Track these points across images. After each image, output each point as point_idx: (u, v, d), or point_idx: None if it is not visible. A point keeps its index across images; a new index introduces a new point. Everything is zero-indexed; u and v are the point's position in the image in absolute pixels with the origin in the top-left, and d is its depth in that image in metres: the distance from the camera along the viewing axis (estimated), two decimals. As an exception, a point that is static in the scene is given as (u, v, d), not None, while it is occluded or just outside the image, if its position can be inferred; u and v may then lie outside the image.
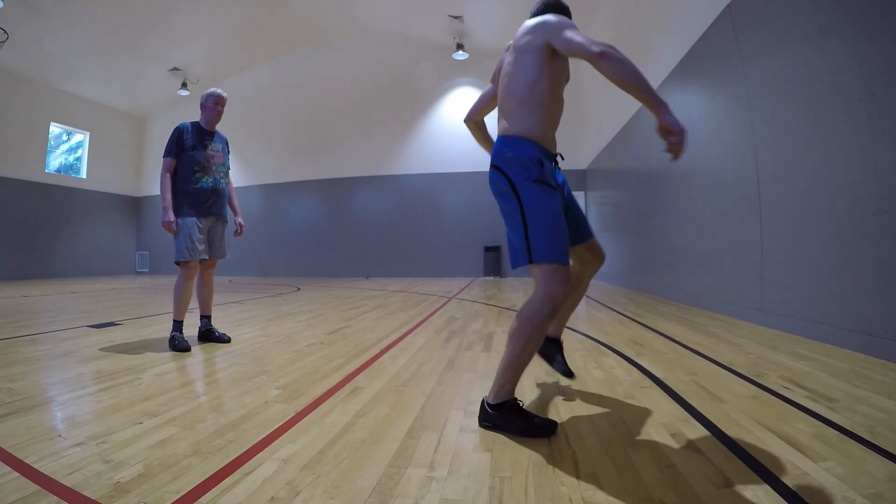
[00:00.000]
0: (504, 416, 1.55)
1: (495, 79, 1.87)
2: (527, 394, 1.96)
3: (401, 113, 13.19)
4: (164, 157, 3.03)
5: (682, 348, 2.85)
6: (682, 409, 1.72)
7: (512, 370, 1.56)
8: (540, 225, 1.54)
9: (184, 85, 13.85)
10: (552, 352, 2.05)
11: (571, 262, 1.81)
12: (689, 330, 3.50)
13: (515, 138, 1.62)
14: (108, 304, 5.91)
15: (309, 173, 13.94)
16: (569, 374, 2.04)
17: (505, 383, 1.57)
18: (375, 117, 13.37)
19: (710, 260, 4.62)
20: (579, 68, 11.84)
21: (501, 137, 1.67)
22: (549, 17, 1.66)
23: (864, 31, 2.57)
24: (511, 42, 1.74)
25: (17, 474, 1.22)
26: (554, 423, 1.56)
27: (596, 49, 1.46)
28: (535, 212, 1.56)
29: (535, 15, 1.80)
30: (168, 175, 3.02)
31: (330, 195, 13.66)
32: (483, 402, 1.62)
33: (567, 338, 3.25)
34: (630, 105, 7.28)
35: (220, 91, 3.18)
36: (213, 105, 3.14)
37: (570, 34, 1.55)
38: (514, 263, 1.61)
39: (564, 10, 1.81)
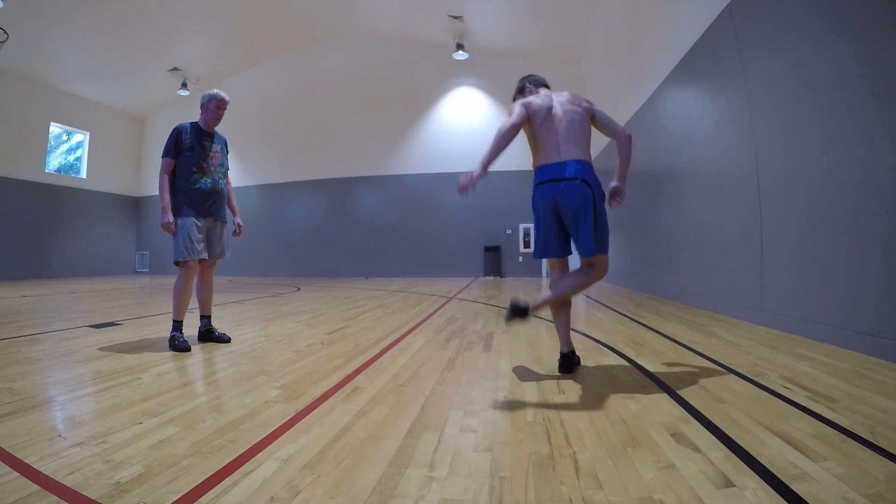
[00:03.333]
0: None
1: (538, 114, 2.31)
2: (526, 393, 1.96)
3: (401, 113, 13.19)
4: (162, 157, 3.02)
5: (682, 348, 2.85)
6: (682, 409, 1.72)
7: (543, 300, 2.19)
8: (606, 226, 2.23)
9: (184, 85, 13.85)
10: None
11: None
12: (689, 330, 3.50)
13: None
14: (108, 304, 5.91)
15: (309, 173, 13.94)
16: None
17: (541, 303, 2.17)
18: (375, 117, 13.37)
19: (710, 260, 4.62)
20: (579, 71, 11.84)
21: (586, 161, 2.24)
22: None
23: (864, 31, 2.57)
24: (553, 97, 2.35)
25: (17, 474, 1.22)
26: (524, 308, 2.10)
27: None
28: (604, 216, 2.23)
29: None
30: (167, 176, 3.01)
31: (330, 195, 13.67)
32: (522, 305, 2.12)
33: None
34: (629, 106, 7.28)
35: (223, 94, 3.15)
36: (215, 108, 3.13)
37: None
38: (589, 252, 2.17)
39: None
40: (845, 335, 2.71)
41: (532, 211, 2.32)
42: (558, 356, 2.36)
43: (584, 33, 10.53)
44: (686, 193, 5.18)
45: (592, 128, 2.33)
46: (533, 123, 2.28)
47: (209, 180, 3.09)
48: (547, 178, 2.23)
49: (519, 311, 2.09)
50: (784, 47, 3.31)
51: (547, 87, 2.52)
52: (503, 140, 2.15)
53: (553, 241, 2.27)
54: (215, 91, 3.15)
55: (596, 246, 2.14)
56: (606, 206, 2.32)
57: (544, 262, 12.41)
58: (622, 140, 2.30)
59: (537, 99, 2.33)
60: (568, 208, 2.18)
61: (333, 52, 13.65)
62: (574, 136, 2.25)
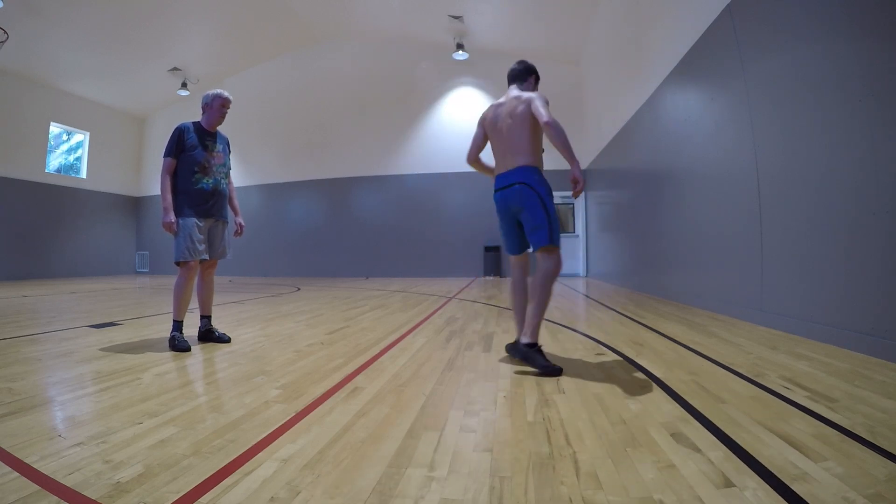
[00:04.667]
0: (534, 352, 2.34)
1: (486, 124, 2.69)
2: (526, 393, 1.96)
3: (401, 113, 13.19)
4: (164, 157, 3.02)
5: (682, 348, 2.85)
6: (682, 409, 1.72)
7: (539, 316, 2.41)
8: (557, 220, 2.47)
9: (184, 85, 13.84)
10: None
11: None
12: (689, 330, 3.50)
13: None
14: (108, 304, 5.91)
15: (309, 173, 13.93)
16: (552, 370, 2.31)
17: (536, 327, 2.39)
18: (375, 117, 13.37)
19: (710, 260, 4.62)
20: (578, 71, 11.84)
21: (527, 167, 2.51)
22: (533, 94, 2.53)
23: (865, 30, 2.57)
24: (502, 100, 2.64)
25: (17, 474, 1.22)
26: (560, 368, 2.27)
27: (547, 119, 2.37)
28: (554, 211, 2.46)
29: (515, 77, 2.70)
30: (168, 176, 3.01)
31: (330, 195, 13.66)
32: (518, 341, 2.48)
33: (567, 338, 3.25)
34: (629, 106, 7.28)
35: (227, 94, 3.15)
36: (220, 107, 3.12)
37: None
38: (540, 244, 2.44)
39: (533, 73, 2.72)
40: (845, 335, 2.71)
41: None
42: (532, 348, 2.42)
43: (584, 33, 10.53)
44: (686, 193, 5.18)
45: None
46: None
47: (211, 180, 3.09)
48: (498, 186, 2.62)
49: (553, 371, 2.26)
50: (784, 47, 3.31)
51: (512, 81, 2.71)
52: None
53: (508, 240, 2.67)
54: (219, 91, 3.14)
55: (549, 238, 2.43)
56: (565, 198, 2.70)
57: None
58: (546, 128, 2.38)
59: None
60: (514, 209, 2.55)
61: (333, 52, 13.64)
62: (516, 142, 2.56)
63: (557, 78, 11.98)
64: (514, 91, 2.63)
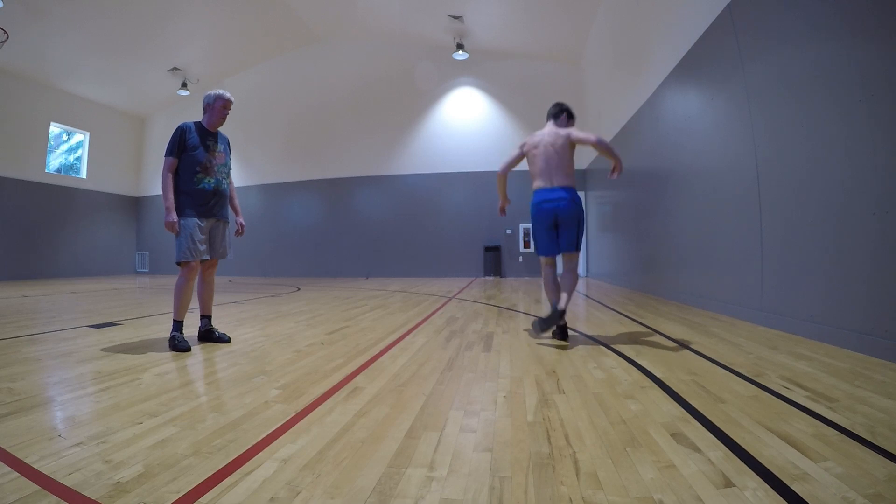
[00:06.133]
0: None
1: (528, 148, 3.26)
2: (526, 393, 1.96)
3: (401, 113, 13.19)
4: (165, 156, 3.01)
5: (682, 348, 2.85)
6: (682, 409, 1.72)
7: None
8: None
9: (184, 85, 13.85)
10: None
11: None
12: (689, 330, 3.50)
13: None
14: (108, 304, 5.91)
15: (309, 173, 13.94)
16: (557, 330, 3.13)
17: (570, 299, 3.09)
18: (375, 117, 13.37)
19: (710, 260, 4.62)
20: (579, 71, 11.84)
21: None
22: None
23: (864, 32, 2.57)
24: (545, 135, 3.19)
25: (17, 474, 1.22)
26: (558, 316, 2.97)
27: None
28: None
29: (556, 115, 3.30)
30: (170, 175, 3.00)
31: (330, 195, 13.66)
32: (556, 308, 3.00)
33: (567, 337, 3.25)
34: (629, 106, 7.28)
35: (229, 95, 3.15)
36: (222, 108, 3.12)
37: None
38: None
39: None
40: (845, 335, 2.71)
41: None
42: (553, 333, 3.17)
43: (584, 33, 10.54)
44: (686, 193, 5.18)
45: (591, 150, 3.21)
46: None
47: (212, 180, 3.08)
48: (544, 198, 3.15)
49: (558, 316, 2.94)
50: (784, 47, 3.31)
51: (554, 116, 3.30)
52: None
53: (548, 244, 3.18)
54: (220, 91, 3.14)
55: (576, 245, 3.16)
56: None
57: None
58: (596, 146, 3.05)
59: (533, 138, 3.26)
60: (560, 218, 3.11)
61: (333, 52, 13.65)
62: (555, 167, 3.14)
63: (557, 78, 11.99)
64: (551, 126, 3.22)
